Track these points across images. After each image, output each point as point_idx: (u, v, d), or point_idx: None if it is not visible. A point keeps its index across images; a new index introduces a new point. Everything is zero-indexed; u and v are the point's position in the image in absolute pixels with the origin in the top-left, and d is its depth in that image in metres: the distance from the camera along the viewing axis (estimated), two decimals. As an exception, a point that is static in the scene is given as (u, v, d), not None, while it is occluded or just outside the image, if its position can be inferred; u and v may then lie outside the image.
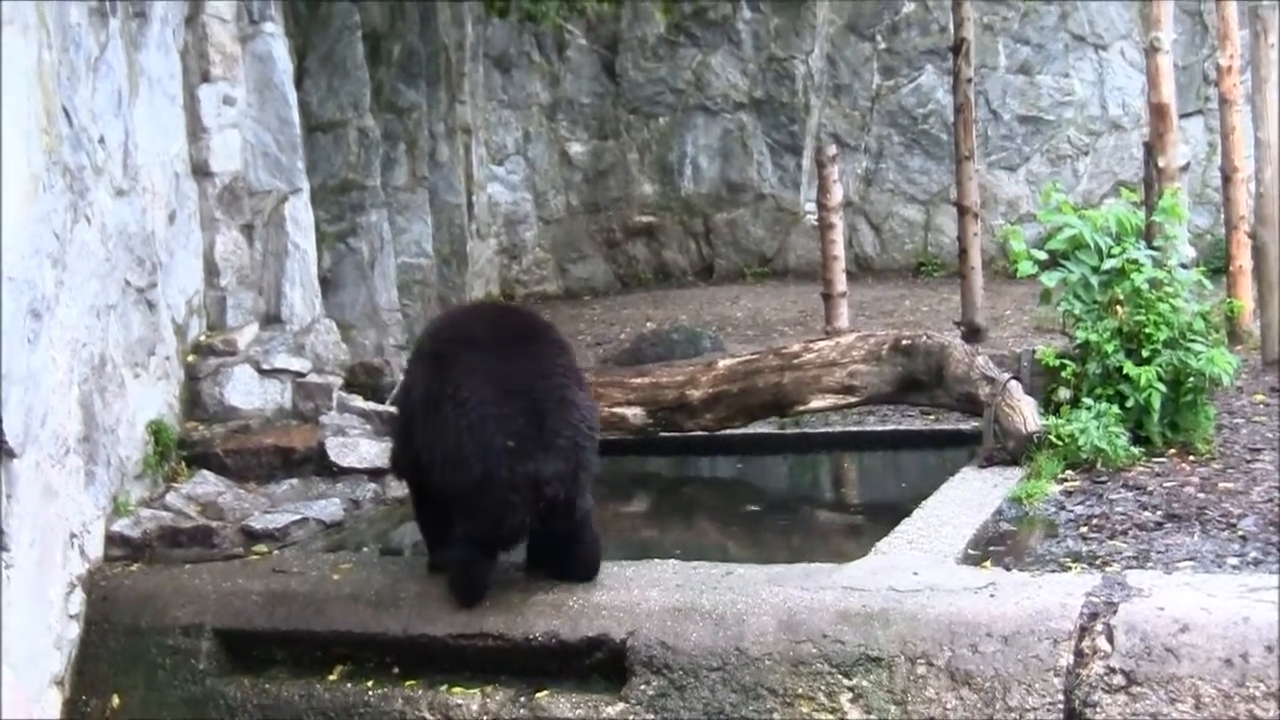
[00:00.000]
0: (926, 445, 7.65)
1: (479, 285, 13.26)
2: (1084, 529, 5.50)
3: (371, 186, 10.30)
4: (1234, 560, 4.99)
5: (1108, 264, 6.68)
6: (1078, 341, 6.69)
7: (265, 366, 7.02)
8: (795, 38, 14.40)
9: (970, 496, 5.99)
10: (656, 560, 5.24)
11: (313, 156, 9.17)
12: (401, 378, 6.24)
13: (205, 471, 6.47)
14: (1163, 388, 6.42)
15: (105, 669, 5.36)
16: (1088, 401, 6.46)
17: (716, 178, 14.64)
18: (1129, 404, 6.44)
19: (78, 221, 5.62)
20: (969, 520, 5.61)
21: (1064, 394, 6.62)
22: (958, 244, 10.33)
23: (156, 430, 6.39)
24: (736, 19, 14.51)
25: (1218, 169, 10.27)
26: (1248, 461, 6.33)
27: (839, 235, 10.07)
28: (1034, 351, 6.92)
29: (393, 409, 6.57)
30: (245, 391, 6.91)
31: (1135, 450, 6.36)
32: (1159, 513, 5.63)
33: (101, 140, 5.98)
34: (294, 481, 6.52)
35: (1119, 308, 6.60)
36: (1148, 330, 6.49)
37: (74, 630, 5.39)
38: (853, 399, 7.06)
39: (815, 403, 7.08)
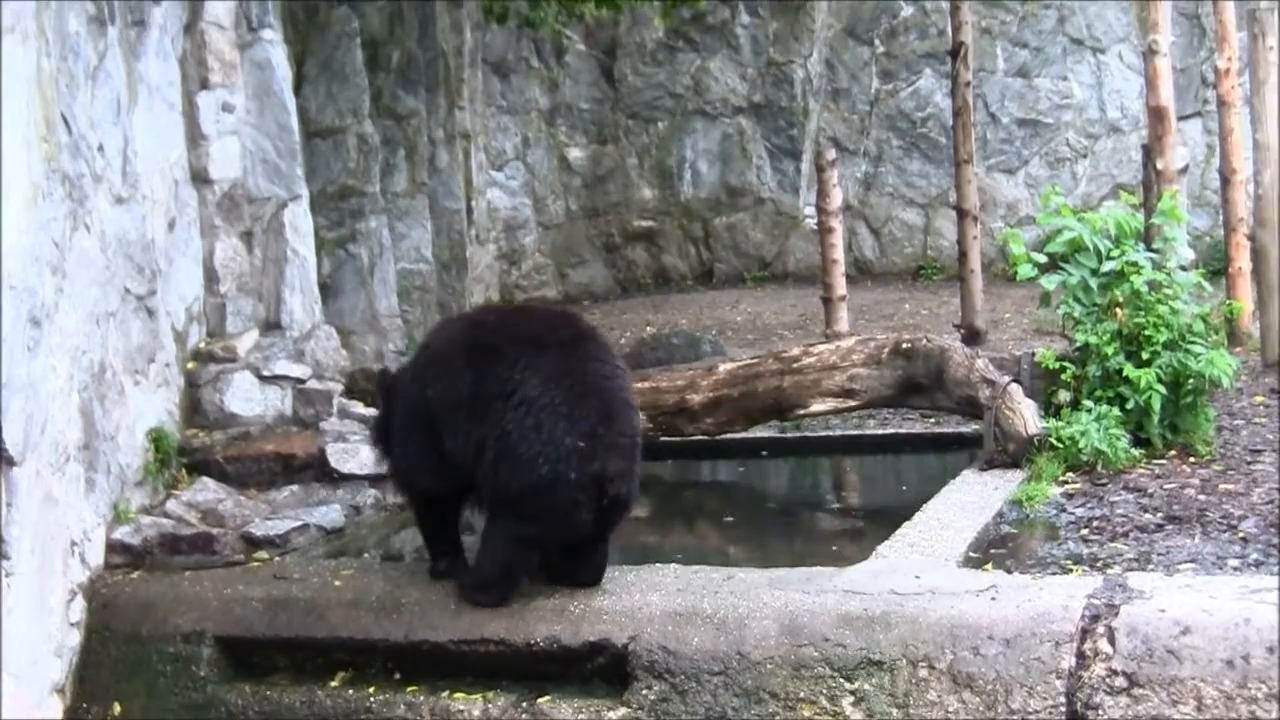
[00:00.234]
0: (927, 448, 7.65)
1: (479, 291, 13.26)
2: (1085, 531, 5.50)
3: (371, 192, 10.31)
4: (1235, 562, 4.99)
5: (1107, 266, 6.69)
6: (1078, 344, 6.69)
7: (265, 373, 7.02)
8: (794, 42, 14.41)
9: (971, 499, 5.99)
10: (658, 565, 5.24)
11: (312, 163, 9.18)
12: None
13: (206, 478, 6.46)
14: (1163, 390, 6.42)
15: (106, 676, 5.36)
16: (1088, 404, 6.46)
17: (716, 182, 14.64)
18: (1129, 406, 6.45)
19: (77, 229, 5.62)
20: (970, 523, 5.61)
21: (1064, 396, 6.62)
22: (957, 247, 10.33)
23: (157, 437, 6.39)
24: (735, 24, 14.52)
25: (1216, 171, 10.28)
26: (1248, 463, 6.33)
27: (838, 239, 10.08)
28: (1034, 354, 6.92)
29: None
30: (245, 398, 6.91)
31: (1136, 452, 6.36)
32: (1160, 515, 5.63)
33: (101, 148, 5.99)
34: (295, 488, 6.52)
35: (1119, 310, 6.60)
36: (1147, 332, 6.49)
37: (75, 638, 5.39)
38: (853, 402, 7.07)
39: (815, 406, 7.08)
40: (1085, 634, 4.39)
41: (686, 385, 7.30)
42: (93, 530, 5.70)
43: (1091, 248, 6.76)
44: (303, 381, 7.09)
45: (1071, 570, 4.99)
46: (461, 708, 4.85)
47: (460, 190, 12.16)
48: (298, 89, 8.72)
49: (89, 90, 5.90)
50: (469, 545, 5.49)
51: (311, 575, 5.55)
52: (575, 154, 14.91)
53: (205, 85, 7.18)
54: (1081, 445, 6.27)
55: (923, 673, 4.47)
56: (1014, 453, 6.41)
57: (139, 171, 6.43)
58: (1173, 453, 6.48)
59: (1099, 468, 6.26)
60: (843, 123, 14.48)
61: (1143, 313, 6.54)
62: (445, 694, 4.93)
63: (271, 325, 7.47)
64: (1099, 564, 5.05)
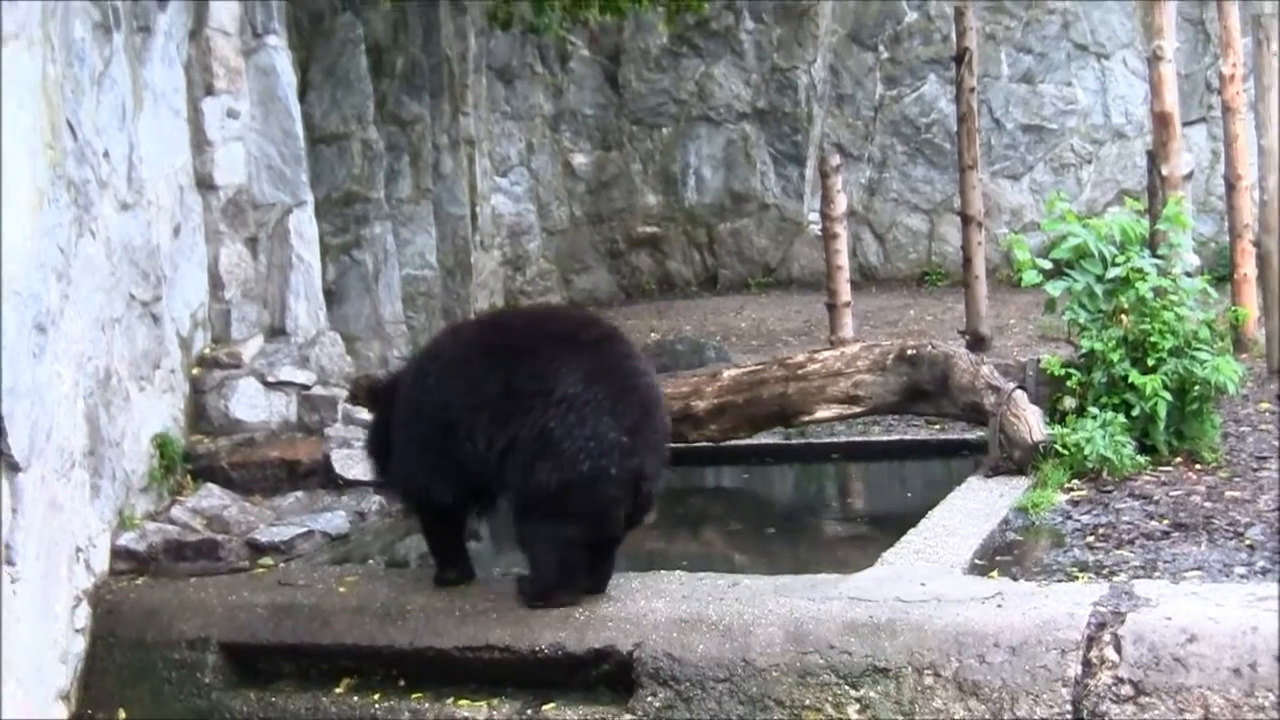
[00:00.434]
0: (932, 455, 7.65)
1: (483, 296, 13.26)
2: (1090, 538, 5.49)
3: (375, 198, 10.31)
4: (1241, 569, 4.98)
5: (1112, 272, 6.68)
6: (1083, 350, 6.69)
7: (270, 379, 7.02)
8: (798, 48, 14.41)
9: (976, 506, 5.98)
10: (663, 571, 5.24)
11: (317, 169, 9.18)
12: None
13: (210, 484, 6.46)
14: (1168, 396, 6.41)
15: (111, 683, 5.35)
16: (1093, 410, 6.45)
17: (720, 188, 14.65)
18: (1135, 413, 6.44)
19: (82, 235, 5.62)
20: (975, 530, 5.60)
21: (1069, 403, 6.61)
22: (962, 253, 10.33)
23: (162, 443, 6.39)
24: (739, 29, 14.53)
25: (1221, 177, 10.27)
26: (1254, 470, 6.32)
27: (843, 245, 10.07)
28: (1039, 360, 6.91)
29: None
30: (250, 404, 6.91)
31: (1141, 459, 6.36)
32: (1166, 522, 5.62)
33: (106, 154, 5.99)
34: (299, 494, 6.52)
35: (1124, 316, 6.60)
36: (1153, 339, 6.48)
37: (79, 644, 5.39)
38: (858, 409, 7.06)
39: (820, 413, 7.07)
40: (1091, 642, 4.38)
41: (691, 392, 7.29)
42: (98, 536, 5.70)
43: (1097, 254, 6.76)
44: (308, 387, 7.09)
45: (1077, 578, 4.98)
46: (466, 714, 4.85)
47: (465, 196, 12.17)
48: (302, 95, 8.73)
49: (94, 96, 5.91)
50: (472, 549, 5.49)
51: (316, 582, 5.55)
52: (579, 160, 14.92)
53: (210, 91, 7.18)
54: (1087, 452, 6.26)
55: (928, 680, 4.46)
56: (1019, 459, 6.40)
57: (144, 177, 6.43)
58: (1178, 460, 6.47)
59: (1104, 475, 6.25)
60: (847, 128, 14.48)
61: (1148, 319, 6.54)
62: (450, 701, 4.92)
63: (276, 331, 7.47)
64: (1105, 571, 5.04)
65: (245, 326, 7.27)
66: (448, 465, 5.13)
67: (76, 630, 5.37)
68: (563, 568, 4.97)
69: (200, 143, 7.13)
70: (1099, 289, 6.71)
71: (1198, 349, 6.53)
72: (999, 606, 4.61)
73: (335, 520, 6.28)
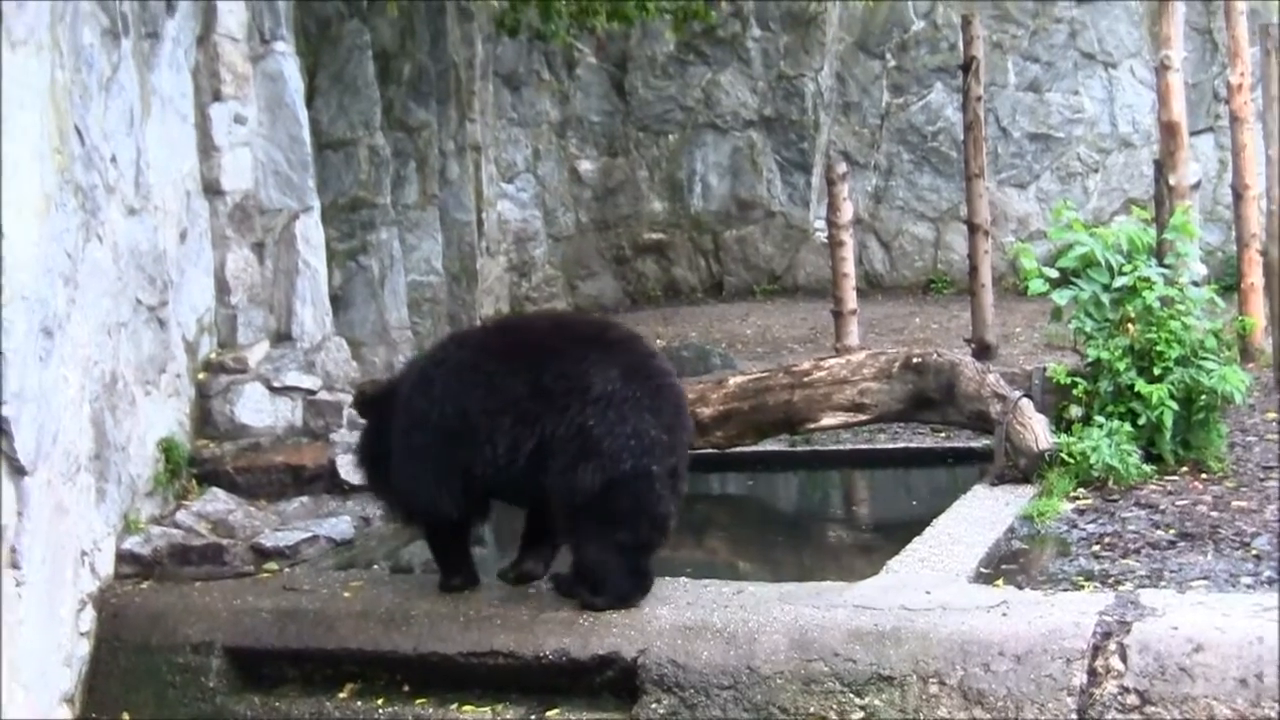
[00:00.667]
0: (937, 463, 7.64)
1: (489, 302, 13.26)
2: (1096, 547, 5.48)
3: (382, 204, 10.32)
4: (1248, 579, 4.97)
5: (1119, 281, 6.67)
6: (1089, 359, 6.68)
7: (276, 384, 7.02)
8: (804, 55, 14.41)
9: (982, 514, 5.97)
10: (667, 578, 5.23)
11: (323, 174, 9.19)
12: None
13: (216, 489, 6.47)
14: (1175, 405, 6.40)
15: (115, 687, 5.36)
16: (1099, 419, 6.44)
17: (726, 195, 14.64)
18: (1141, 422, 6.43)
19: (89, 240, 5.63)
20: (981, 538, 5.59)
21: (1075, 412, 6.60)
22: (968, 261, 10.32)
23: (167, 448, 6.40)
24: (746, 37, 14.53)
25: (1229, 186, 10.25)
26: (1260, 480, 6.31)
27: (849, 253, 10.06)
28: (1045, 369, 6.90)
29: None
30: (256, 409, 6.91)
31: (1147, 468, 6.35)
32: (1172, 531, 5.61)
33: (113, 159, 6.00)
34: (304, 499, 6.52)
35: (1130, 325, 6.59)
36: (1159, 348, 6.48)
37: (84, 648, 5.39)
38: (863, 416, 7.05)
39: (826, 420, 7.07)
40: (1097, 651, 4.37)
41: (696, 398, 7.28)
42: (103, 540, 5.70)
43: (1103, 263, 6.75)
44: (313, 393, 7.09)
45: (1083, 587, 4.97)
46: (470, 720, 4.85)
47: (471, 202, 12.18)
48: (309, 101, 8.74)
49: (102, 102, 5.92)
50: (474, 554, 5.48)
51: (321, 587, 5.55)
52: (586, 166, 14.92)
53: (218, 97, 7.19)
54: (1093, 461, 6.25)
55: (933, 689, 4.46)
56: (1025, 468, 6.40)
57: (151, 183, 6.44)
58: (1185, 469, 6.46)
59: (1110, 484, 6.24)
60: (853, 136, 14.48)
61: (1155, 328, 6.53)
62: (454, 706, 4.92)
63: (282, 336, 7.47)
64: (1111, 580, 5.03)
65: (251, 331, 7.28)
66: (456, 475, 5.07)
67: (81, 634, 5.37)
68: (632, 570, 4.93)
69: (207, 148, 7.14)
70: (1105, 298, 6.70)
71: (1204, 358, 6.52)
72: (1004, 615, 4.61)
73: (340, 525, 6.28)
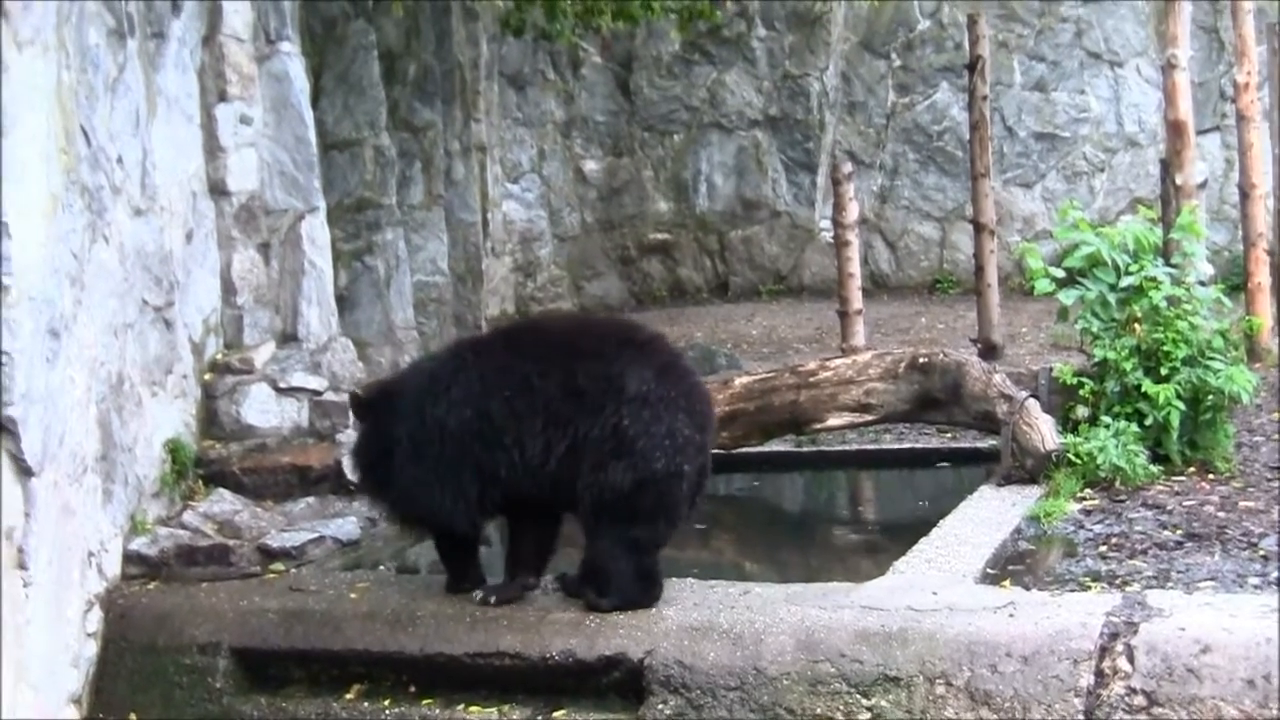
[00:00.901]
0: (943, 463, 7.63)
1: (494, 303, 13.27)
2: (1103, 548, 5.48)
3: (387, 205, 10.32)
4: (1256, 580, 4.96)
5: (1125, 281, 6.67)
6: (1096, 359, 6.67)
7: (282, 385, 7.02)
8: (810, 55, 14.41)
9: (988, 515, 5.97)
10: (674, 579, 5.22)
11: (329, 175, 9.19)
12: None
13: (222, 490, 6.47)
14: (1182, 406, 6.39)
15: (122, 687, 5.36)
16: (1106, 419, 6.44)
17: (731, 195, 14.64)
18: (1148, 422, 6.42)
19: (96, 241, 5.64)
20: (987, 539, 5.59)
21: (1082, 412, 6.59)
22: (974, 261, 10.31)
23: (174, 449, 6.40)
24: (751, 37, 14.53)
25: (1235, 185, 10.24)
26: (1268, 480, 6.30)
27: (854, 252, 10.06)
28: (1051, 369, 6.89)
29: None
30: (262, 410, 6.91)
31: (1154, 469, 6.34)
32: (1179, 532, 5.60)
33: (119, 160, 6.00)
34: (311, 500, 6.52)
35: (1137, 325, 6.58)
36: (1166, 348, 6.47)
37: (91, 648, 5.40)
38: (869, 417, 7.05)
39: (832, 421, 7.06)
40: (1104, 652, 4.36)
41: (702, 399, 7.28)
42: (110, 541, 5.71)
43: (1110, 262, 6.74)
44: (319, 393, 7.09)
45: (1090, 587, 4.96)
46: (477, 721, 4.85)
47: (476, 203, 12.17)
48: (315, 101, 8.74)
49: (108, 102, 5.92)
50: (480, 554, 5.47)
51: (327, 587, 5.55)
52: (591, 166, 14.92)
53: (223, 97, 7.19)
54: (1100, 461, 6.24)
55: (940, 690, 4.45)
56: (1031, 468, 6.39)
57: (157, 183, 6.44)
58: (1192, 469, 6.45)
59: (1117, 484, 6.23)
60: (859, 136, 14.47)
61: (1161, 328, 6.52)
62: (460, 707, 4.92)
63: (288, 337, 7.47)
64: (1118, 581, 5.02)
65: (257, 332, 7.28)
66: (475, 481, 5.01)
67: (88, 634, 5.38)
68: (641, 573, 4.93)
69: (213, 148, 7.15)
70: (1112, 298, 6.69)
71: (1211, 358, 6.51)
72: (1011, 616, 4.60)
73: (346, 526, 6.28)
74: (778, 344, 11.63)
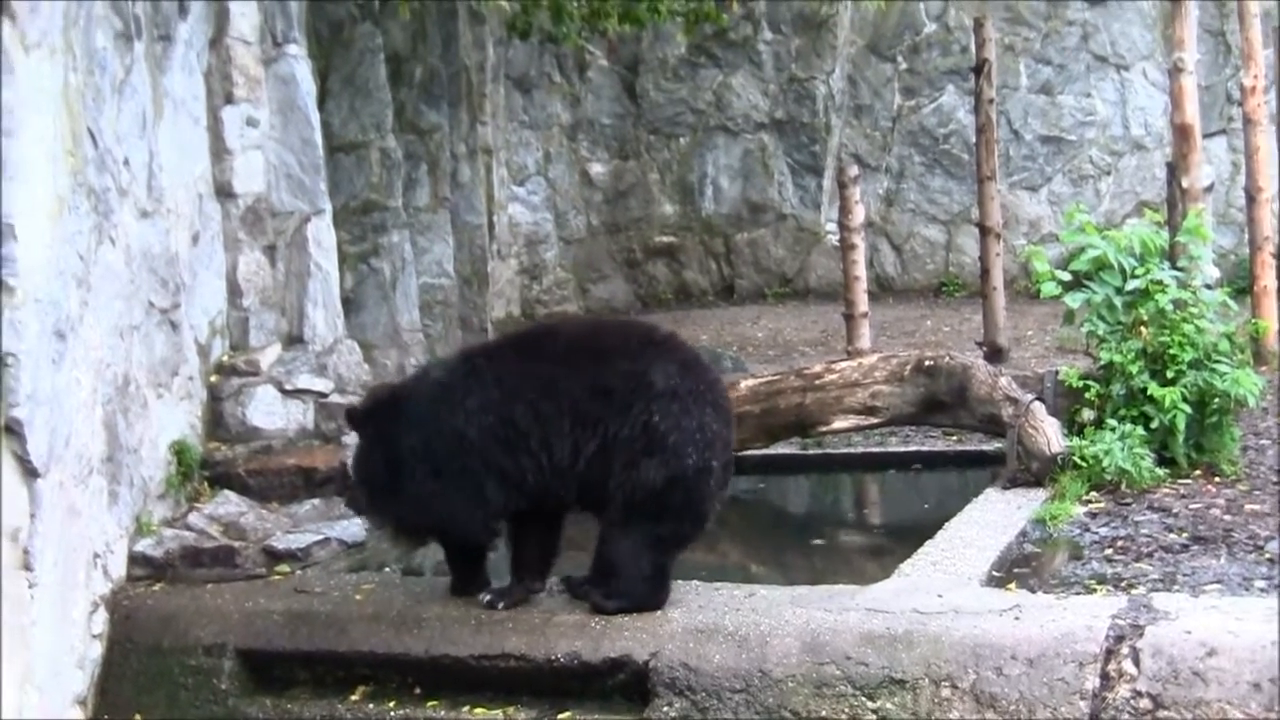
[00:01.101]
0: (949, 466, 7.63)
1: (500, 305, 13.27)
2: (1109, 551, 5.47)
3: (393, 207, 10.33)
4: (1261, 583, 4.95)
5: (1131, 285, 6.66)
6: (1101, 362, 6.66)
7: (288, 387, 7.03)
8: (816, 58, 14.41)
9: (994, 518, 5.96)
10: (679, 581, 5.21)
11: (335, 177, 9.20)
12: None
13: (228, 491, 6.47)
14: (1188, 409, 6.38)
15: (128, 689, 5.37)
16: (1112, 423, 6.43)
17: (737, 198, 14.64)
18: (1154, 425, 6.42)
19: (102, 243, 5.64)
20: (993, 542, 5.58)
21: (1088, 415, 6.59)
22: (979, 264, 10.31)
23: (179, 450, 6.41)
24: (757, 40, 14.53)
25: (1242, 189, 10.23)
26: (1274, 483, 6.29)
27: (860, 255, 10.05)
28: (1057, 372, 6.89)
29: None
30: (268, 412, 6.92)
31: (1160, 472, 6.33)
32: (1185, 535, 5.60)
33: (126, 162, 6.01)
34: (316, 502, 6.52)
35: (1143, 328, 6.58)
36: (1172, 351, 6.46)
37: (96, 650, 5.40)
38: (875, 420, 7.04)
39: (837, 423, 7.06)
40: (1110, 655, 4.36)
41: (708, 401, 7.27)
42: (115, 542, 5.71)
43: (1116, 266, 6.73)
44: (325, 395, 7.09)
45: (1096, 590, 4.96)
46: (481, 723, 4.85)
47: (482, 205, 12.18)
48: (321, 104, 8.75)
49: (115, 104, 5.93)
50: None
51: (332, 589, 5.56)
52: (597, 169, 14.93)
53: (230, 100, 7.20)
54: (1105, 464, 6.24)
55: (945, 692, 4.44)
56: (1037, 471, 6.38)
57: (164, 185, 6.45)
58: (1198, 472, 6.45)
59: (1123, 487, 6.23)
60: (865, 139, 14.47)
61: (1167, 331, 6.51)
62: (466, 709, 4.92)
63: (294, 339, 7.48)
64: (1123, 584, 5.02)
65: (263, 334, 7.28)
66: (499, 489, 4.95)
67: (93, 636, 5.38)
68: (658, 571, 4.92)
69: (220, 151, 7.16)
70: (1118, 301, 6.69)
71: (1217, 361, 6.50)
72: (1016, 619, 4.59)
73: (352, 528, 6.28)
74: (783, 347, 11.63)
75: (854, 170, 10.22)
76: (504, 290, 13.74)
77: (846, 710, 4.51)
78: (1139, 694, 4.26)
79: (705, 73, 14.66)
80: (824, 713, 4.52)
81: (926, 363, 6.91)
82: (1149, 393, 6.41)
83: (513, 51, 14.15)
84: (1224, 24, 13.03)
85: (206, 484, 6.55)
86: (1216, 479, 6.36)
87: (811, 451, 7.73)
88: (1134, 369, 6.47)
